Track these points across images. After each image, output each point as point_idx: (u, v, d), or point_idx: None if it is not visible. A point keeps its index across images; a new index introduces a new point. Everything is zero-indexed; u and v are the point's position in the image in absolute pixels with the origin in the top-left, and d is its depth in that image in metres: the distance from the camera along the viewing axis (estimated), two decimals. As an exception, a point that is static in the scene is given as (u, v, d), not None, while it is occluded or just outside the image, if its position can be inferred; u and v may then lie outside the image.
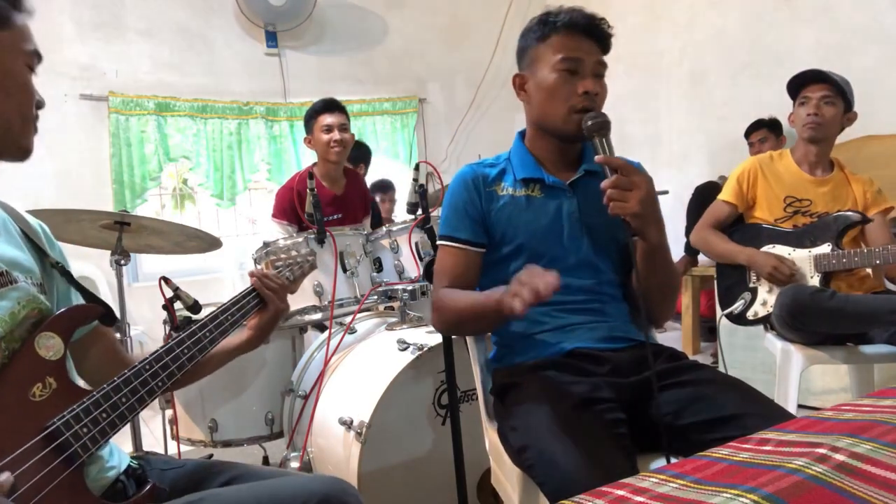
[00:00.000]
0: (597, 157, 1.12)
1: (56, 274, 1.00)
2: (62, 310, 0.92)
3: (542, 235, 1.25)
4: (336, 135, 2.59)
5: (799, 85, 2.08)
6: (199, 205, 4.55)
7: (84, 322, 0.98)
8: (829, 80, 2.01)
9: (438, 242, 1.31)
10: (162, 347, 0.97)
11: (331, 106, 2.63)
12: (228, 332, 1.10)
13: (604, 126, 1.13)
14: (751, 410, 1.01)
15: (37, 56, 0.90)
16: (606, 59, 1.24)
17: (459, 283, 1.25)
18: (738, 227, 2.18)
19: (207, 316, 1.08)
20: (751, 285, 2.10)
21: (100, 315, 0.98)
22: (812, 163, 2.11)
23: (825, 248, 1.99)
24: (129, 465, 0.98)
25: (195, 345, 1.02)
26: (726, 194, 2.18)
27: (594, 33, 1.21)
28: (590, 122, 1.14)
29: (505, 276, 1.23)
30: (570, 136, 1.22)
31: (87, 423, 0.82)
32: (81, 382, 0.96)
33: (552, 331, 1.23)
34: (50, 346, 0.85)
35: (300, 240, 2.10)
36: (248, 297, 1.21)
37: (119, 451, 0.98)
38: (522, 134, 1.37)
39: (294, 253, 1.51)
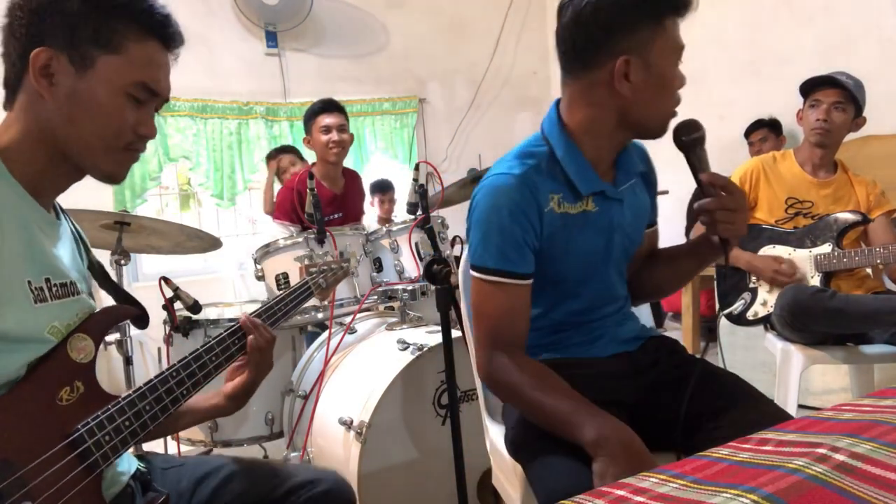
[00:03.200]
0: (702, 176, 1.03)
1: (93, 272, 1.01)
2: (96, 311, 0.91)
3: (593, 258, 1.12)
4: (335, 135, 2.59)
5: (811, 86, 2.07)
6: (200, 205, 4.55)
7: (117, 323, 0.98)
8: (842, 86, 1.99)
9: (476, 274, 1.07)
10: (191, 354, 0.95)
11: (329, 106, 2.63)
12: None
13: (703, 140, 1.05)
14: (742, 404, 1.02)
15: (145, 88, 0.87)
16: None
17: (510, 333, 1.06)
18: None
19: (233, 325, 1.06)
20: (751, 285, 2.10)
21: (133, 316, 0.97)
22: (816, 165, 2.11)
23: (826, 248, 1.99)
24: (136, 468, 0.98)
25: (223, 352, 1.01)
26: None
27: (685, 13, 1.04)
28: (693, 135, 1.04)
29: (546, 302, 1.13)
30: (656, 135, 1.09)
31: (109, 431, 0.81)
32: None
33: (574, 345, 1.18)
34: (82, 348, 0.84)
35: (300, 240, 2.10)
36: (299, 290, 1.24)
37: (128, 454, 0.98)
38: (559, 121, 1.11)
39: (329, 258, 1.50)
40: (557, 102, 1.13)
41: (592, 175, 1.09)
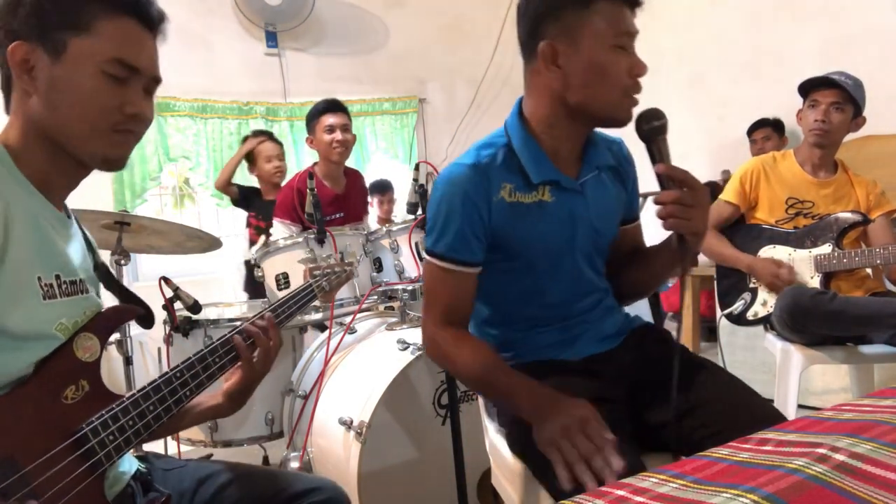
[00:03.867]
0: (658, 167, 1.00)
1: (98, 274, 1.01)
2: (102, 311, 0.91)
3: (556, 249, 1.13)
4: (338, 135, 2.60)
5: (810, 86, 2.07)
6: (199, 205, 4.54)
7: (122, 323, 0.98)
8: (840, 86, 1.99)
9: (429, 258, 1.12)
10: (195, 355, 0.95)
11: (333, 106, 2.64)
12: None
13: (664, 129, 1.01)
14: (735, 404, 1.01)
15: (121, 64, 0.84)
16: None
17: (455, 315, 1.12)
18: (740, 227, 2.18)
19: (237, 328, 1.05)
20: (751, 285, 2.10)
21: (138, 316, 0.97)
22: (815, 165, 2.12)
23: (826, 249, 1.99)
24: (137, 469, 0.98)
25: (227, 354, 1.00)
26: (728, 194, 2.18)
27: (638, 4, 1.06)
28: (653, 124, 1.00)
29: (512, 294, 1.15)
30: (618, 124, 1.07)
31: (113, 431, 0.81)
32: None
33: (555, 345, 1.17)
34: (88, 347, 0.84)
35: (300, 240, 2.10)
36: (302, 293, 1.24)
37: (129, 454, 0.97)
38: (520, 115, 1.14)
39: (332, 261, 1.50)
40: (521, 98, 1.16)
41: (547, 165, 1.10)
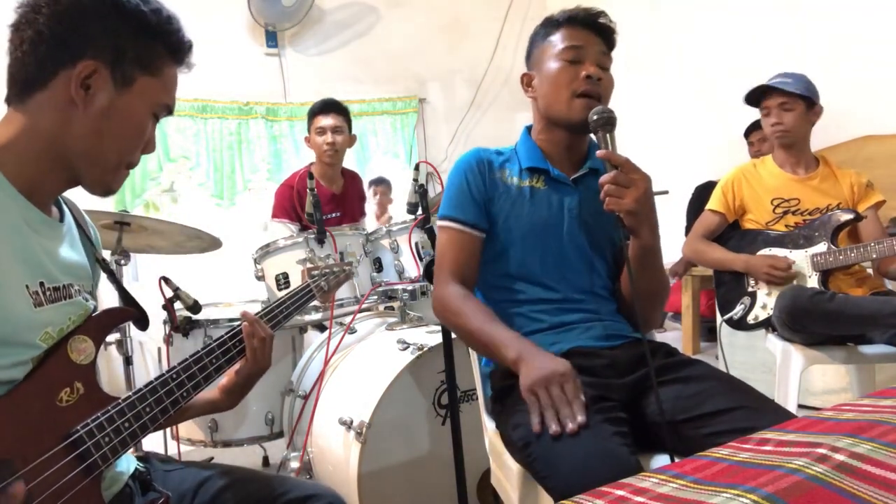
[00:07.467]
0: (598, 152, 1.10)
1: (98, 269, 1.01)
2: (97, 313, 0.90)
3: (541, 228, 1.25)
4: (328, 137, 2.59)
5: (757, 98, 2.14)
6: (196, 206, 4.52)
7: (117, 325, 0.98)
8: (779, 90, 2.06)
9: (439, 223, 1.28)
10: (191, 356, 0.95)
11: (327, 108, 2.63)
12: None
13: (609, 121, 1.12)
14: (740, 404, 1.01)
15: (167, 109, 0.91)
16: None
17: (462, 272, 1.23)
18: (734, 233, 2.19)
19: (237, 326, 1.06)
20: (749, 289, 2.10)
21: (133, 318, 0.97)
22: (793, 163, 2.14)
23: (821, 247, 1.99)
24: (135, 469, 0.98)
25: (224, 354, 1.00)
26: (713, 204, 2.21)
27: (595, 26, 1.24)
28: (595, 117, 1.13)
29: (503, 270, 1.26)
30: (575, 124, 1.22)
31: (109, 433, 0.80)
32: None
33: (548, 330, 1.22)
34: (82, 349, 0.84)
35: (300, 240, 2.10)
36: (300, 293, 1.25)
37: (127, 454, 0.97)
38: (529, 129, 1.37)
39: (331, 261, 1.50)
40: None
41: (538, 157, 1.29)
